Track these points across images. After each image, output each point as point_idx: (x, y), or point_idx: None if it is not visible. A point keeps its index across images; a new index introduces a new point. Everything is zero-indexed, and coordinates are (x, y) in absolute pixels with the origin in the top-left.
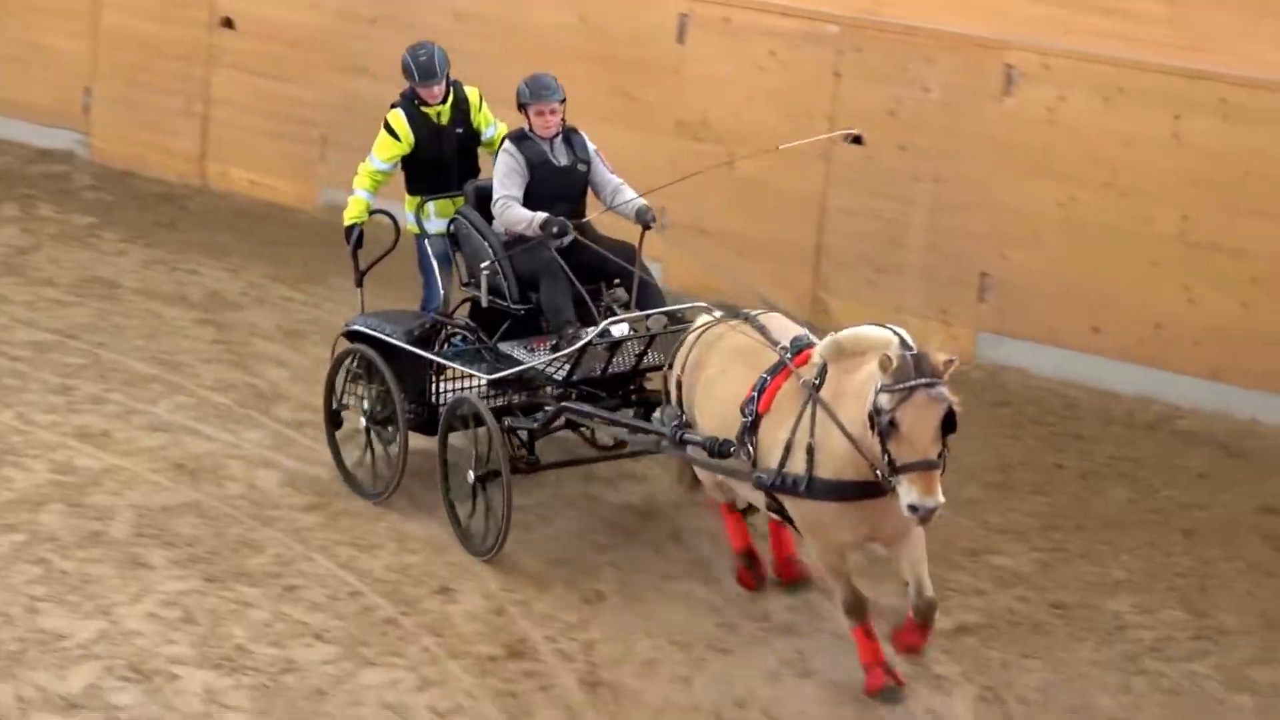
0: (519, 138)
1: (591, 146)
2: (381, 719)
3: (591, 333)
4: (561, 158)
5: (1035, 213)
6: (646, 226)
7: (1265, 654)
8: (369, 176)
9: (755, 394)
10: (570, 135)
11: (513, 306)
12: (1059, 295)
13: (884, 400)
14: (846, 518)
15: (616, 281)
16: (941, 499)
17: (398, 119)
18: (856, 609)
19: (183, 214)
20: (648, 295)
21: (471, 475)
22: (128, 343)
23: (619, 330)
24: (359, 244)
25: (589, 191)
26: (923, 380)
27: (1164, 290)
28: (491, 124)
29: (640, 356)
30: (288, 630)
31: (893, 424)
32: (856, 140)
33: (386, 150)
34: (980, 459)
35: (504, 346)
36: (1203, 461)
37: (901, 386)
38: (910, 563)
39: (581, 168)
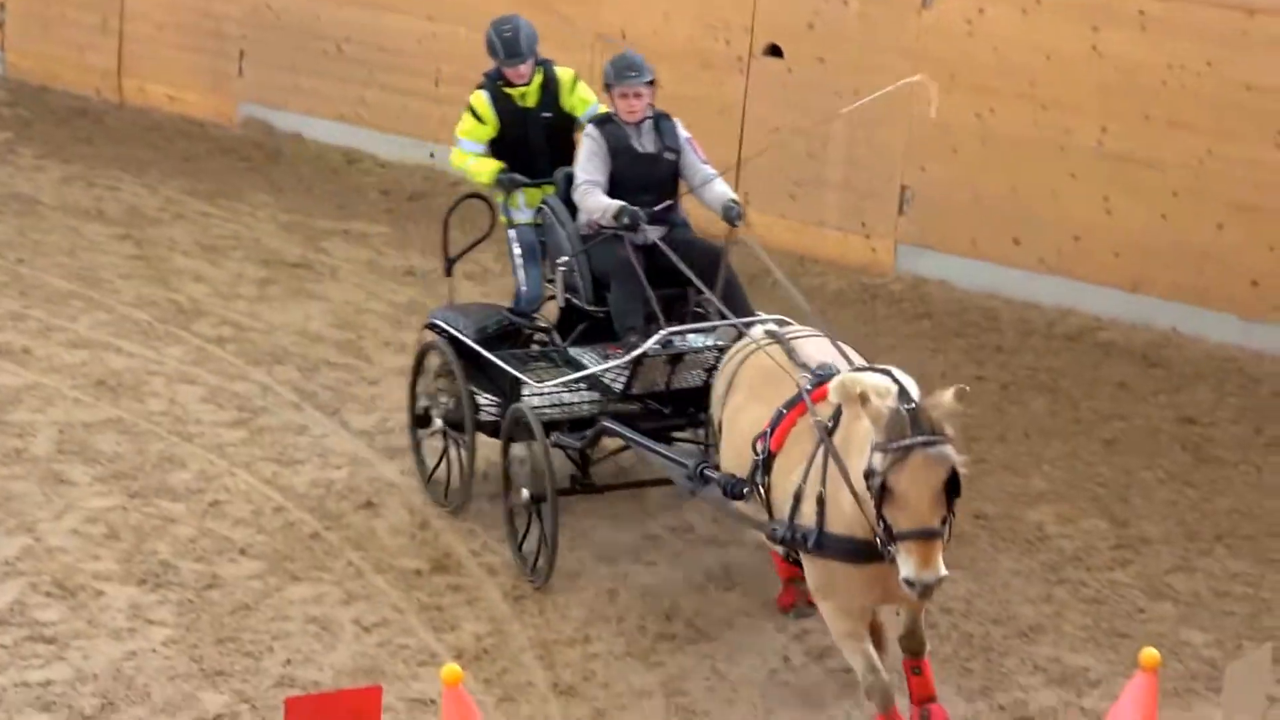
0: (602, 121)
1: (684, 134)
2: (308, 634)
3: (648, 342)
4: (648, 145)
5: (954, 125)
6: (732, 223)
7: (1185, 562)
8: (461, 158)
9: (769, 429)
10: (660, 121)
11: (587, 307)
12: (978, 208)
13: (877, 460)
14: (858, 580)
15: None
16: (943, 572)
17: (480, 100)
18: (880, 694)
19: (100, 129)
20: (733, 304)
21: (525, 493)
22: (47, 259)
23: (690, 341)
24: (447, 219)
25: (679, 183)
26: (920, 439)
27: (1083, 202)
28: (590, 105)
29: (710, 371)
30: (212, 546)
31: (886, 488)
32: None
33: (472, 133)
34: None
35: (574, 351)
36: (1122, 372)
37: (896, 446)
38: (911, 611)
39: (669, 156)
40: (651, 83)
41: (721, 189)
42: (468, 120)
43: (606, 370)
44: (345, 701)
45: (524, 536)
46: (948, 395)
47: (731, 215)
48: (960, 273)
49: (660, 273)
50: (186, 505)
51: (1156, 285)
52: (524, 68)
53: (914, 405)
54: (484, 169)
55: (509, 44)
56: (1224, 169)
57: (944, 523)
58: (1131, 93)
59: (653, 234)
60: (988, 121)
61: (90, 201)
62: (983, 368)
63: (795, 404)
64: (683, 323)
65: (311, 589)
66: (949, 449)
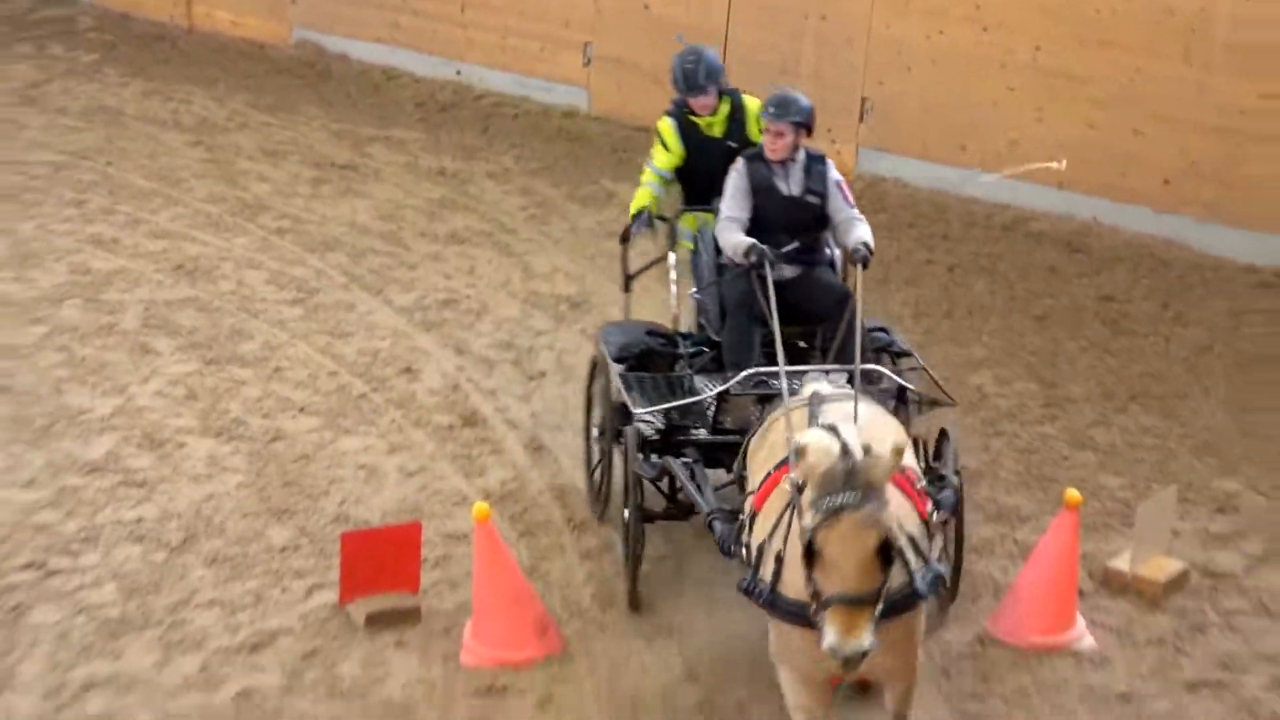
0: (753, 157)
1: (835, 177)
2: (358, 479)
3: (732, 380)
4: (794, 187)
5: (908, 45)
6: (859, 264)
7: (1103, 418)
8: (650, 177)
9: (756, 488)
10: (812, 163)
11: (715, 337)
12: (929, 116)
13: (808, 519)
14: (814, 649)
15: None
16: (867, 642)
17: (666, 128)
18: None
19: (174, 51)
20: (849, 347)
21: (626, 512)
22: (131, 162)
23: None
24: (626, 240)
25: (823, 224)
26: (850, 499)
27: (1019, 111)
28: None
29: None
30: (276, 405)
31: (814, 549)
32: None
33: (660, 159)
34: None
35: (698, 379)
36: (1051, 258)
37: (827, 505)
38: (894, 692)
39: (812, 199)
40: (800, 124)
41: (859, 232)
42: (656, 147)
43: (690, 404)
44: (391, 535)
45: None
46: (887, 453)
47: (859, 256)
48: (913, 172)
49: (789, 311)
50: (254, 371)
51: (1081, 183)
52: (705, 99)
53: (851, 464)
54: (636, 199)
55: (689, 75)
56: (1145, 84)
57: (877, 592)
58: (1065, 15)
59: (787, 272)
60: (937, 42)
61: (167, 113)
62: (932, 253)
63: (783, 464)
64: (805, 363)
65: (360, 441)
66: (885, 514)
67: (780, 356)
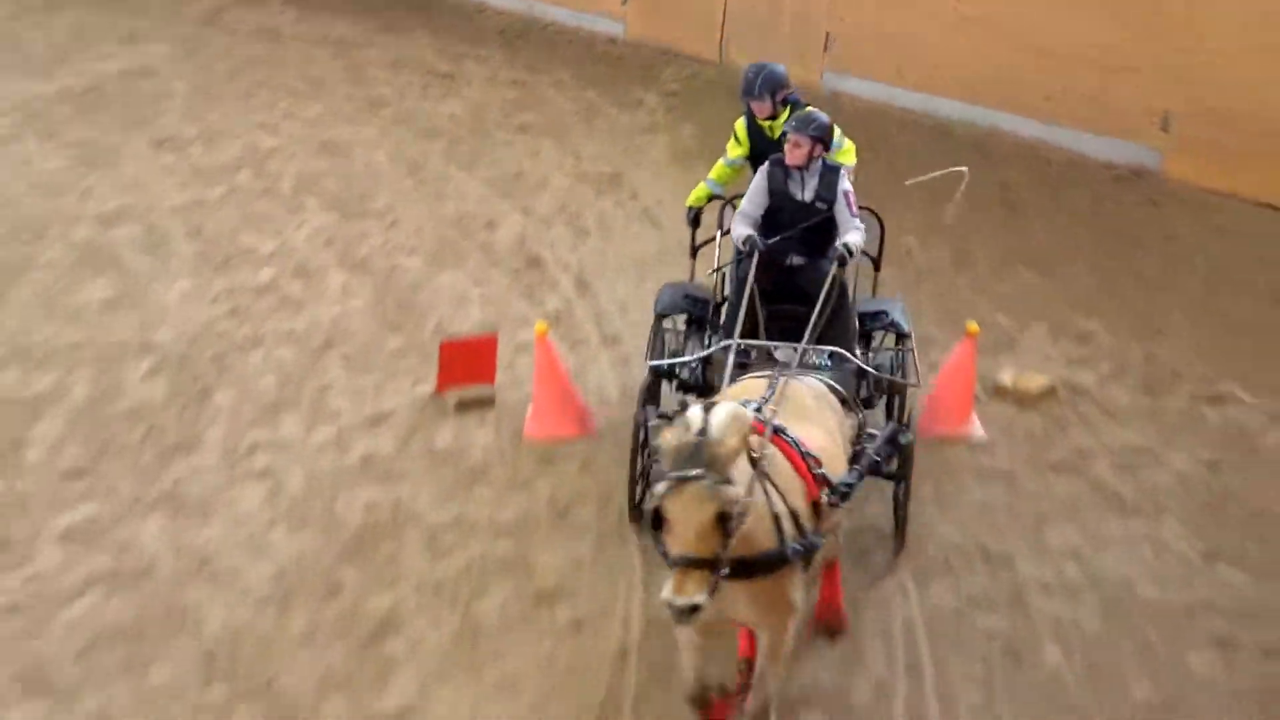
0: (776, 162)
1: (844, 188)
2: (451, 304)
3: (714, 348)
4: (806, 193)
5: None
6: (837, 261)
7: (999, 275)
8: (717, 169)
9: None
10: (827, 173)
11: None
12: (878, 46)
13: (659, 487)
14: None
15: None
16: (699, 599)
17: (739, 125)
18: (695, 701)
19: None
20: (833, 328)
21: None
22: (288, 69)
23: (781, 355)
24: (696, 223)
25: (833, 228)
26: (692, 473)
27: (947, 46)
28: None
29: None
30: (393, 248)
31: (659, 514)
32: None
33: (733, 151)
34: None
35: (713, 340)
36: (963, 156)
37: (673, 475)
38: (762, 652)
39: (821, 206)
40: (816, 138)
41: (849, 237)
42: (731, 140)
43: (682, 362)
44: (475, 344)
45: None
46: (732, 435)
47: (835, 254)
48: (865, 90)
49: (793, 293)
50: (376, 222)
51: (988, 99)
52: (761, 105)
53: (700, 441)
54: (694, 194)
55: (749, 83)
56: (1041, 24)
57: (715, 557)
58: None
59: (795, 260)
60: None
61: (314, 34)
62: (875, 153)
63: None
64: (798, 339)
65: (454, 276)
66: (723, 488)
67: (761, 330)
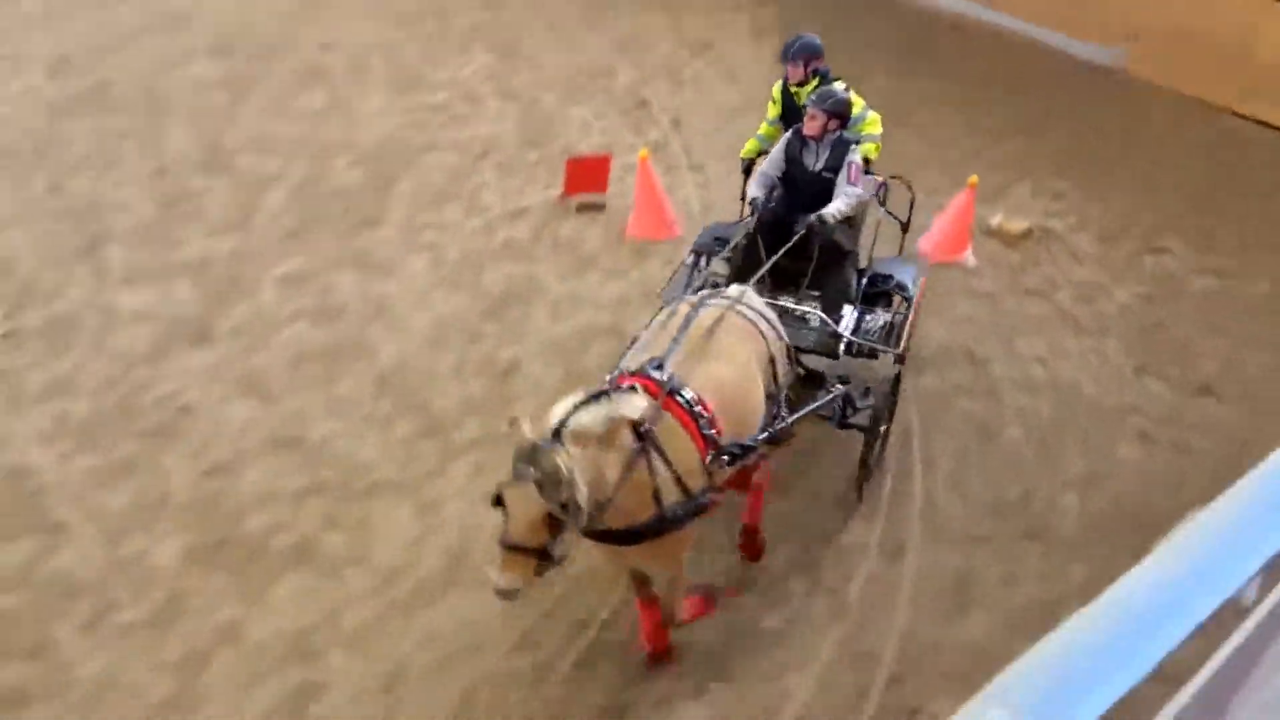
0: (796, 131)
1: (852, 160)
2: (578, 131)
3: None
4: (817, 163)
5: None
6: (809, 227)
7: (993, 142)
8: (763, 127)
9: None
10: (839, 145)
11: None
12: None
13: (505, 476)
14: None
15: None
16: (512, 584)
17: (776, 89)
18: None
19: None
20: (822, 276)
21: None
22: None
23: (748, 294)
24: (748, 173)
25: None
26: (528, 474)
27: None
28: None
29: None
30: (537, 84)
31: (500, 500)
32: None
33: (770, 112)
34: None
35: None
36: (967, 44)
37: (514, 470)
38: (661, 581)
39: (828, 175)
40: (834, 115)
41: (832, 205)
42: (769, 101)
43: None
44: (593, 161)
45: None
46: (596, 427)
47: (806, 222)
48: None
49: (799, 247)
50: (525, 63)
51: (1004, 6)
52: (793, 69)
53: (536, 444)
54: (746, 148)
55: (786, 47)
56: None
57: (541, 547)
58: None
59: (761, 206)
60: None
61: None
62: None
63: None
64: (797, 287)
65: (580, 112)
66: (552, 492)
67: (764, 279)
